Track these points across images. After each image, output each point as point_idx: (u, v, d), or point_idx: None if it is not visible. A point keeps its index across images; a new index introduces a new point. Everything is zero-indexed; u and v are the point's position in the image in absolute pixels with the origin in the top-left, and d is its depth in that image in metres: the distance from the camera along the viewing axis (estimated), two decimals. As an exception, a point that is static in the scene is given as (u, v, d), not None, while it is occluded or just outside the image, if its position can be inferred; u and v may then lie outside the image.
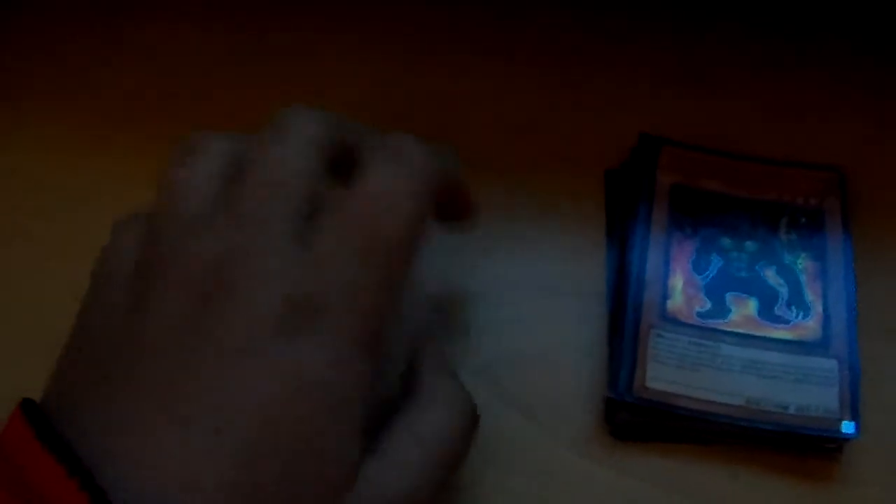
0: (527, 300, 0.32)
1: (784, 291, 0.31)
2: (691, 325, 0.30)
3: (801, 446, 0.29)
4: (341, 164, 0.25)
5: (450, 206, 0.28)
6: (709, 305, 0.30)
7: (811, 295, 0.31)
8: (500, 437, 0.29)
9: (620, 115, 0.36)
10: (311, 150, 0.24)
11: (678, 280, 0.31)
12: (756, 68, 0.38)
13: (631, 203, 0.33)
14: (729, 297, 0.31)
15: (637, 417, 0.29)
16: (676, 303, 0.30)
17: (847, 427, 0.28)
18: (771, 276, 0.31)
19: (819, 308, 0.31)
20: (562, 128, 0.36)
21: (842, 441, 0.28)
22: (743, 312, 0.30)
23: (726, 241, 0.32)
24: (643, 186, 0.33)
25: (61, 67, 0.39)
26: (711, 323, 0.30)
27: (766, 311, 0.30)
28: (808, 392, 0.29)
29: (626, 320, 0.30)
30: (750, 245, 0.32)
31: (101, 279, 0.25)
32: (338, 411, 0.21)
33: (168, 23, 0.40)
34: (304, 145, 0.24)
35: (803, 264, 0.31)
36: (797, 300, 0.31)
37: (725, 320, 0.30)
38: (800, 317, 0.30)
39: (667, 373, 0.29)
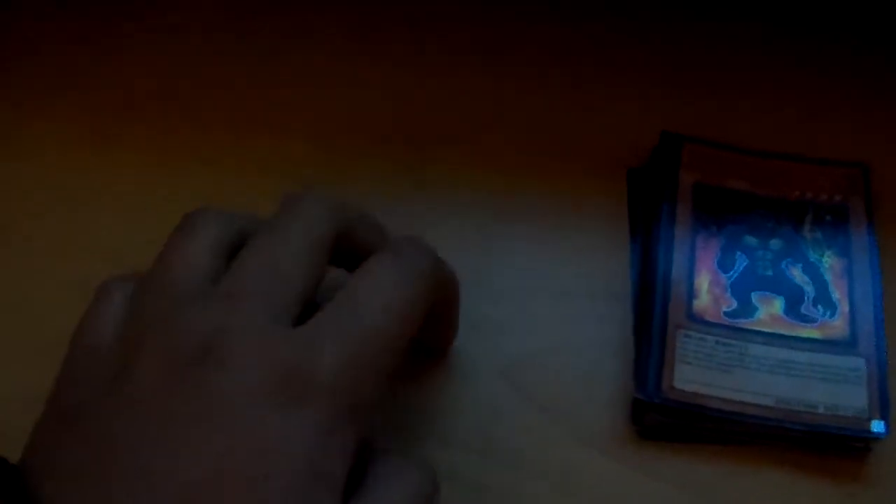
0: (549, 300, 0.32)
1: (810, 290, 0.31)
2: (719, 325, 0.30)
3: (830, 446, 0.28)
4: (344, 255, 0.26)
5: (433, 324, 0.28)
6: (735, 305, 0.30)
7: (837, 293, 0.31)
8: (523, 438, 0.29)
9: (642, 113, 0.36)
10: (313, 243, 0.24)
11: (704, 279, 0.31)
12: (779, 65, 0.37)
13: (654, 202, 0.32)
14: (755, 296, 0.31)
15: (666, 418, 0.28)
16: (703, 302, 0.30)
17: (877, 426, 0.28)
18: (797, 274, 0.31)
19: (845, 306, 0.30)
20: (583, 127, 0.36)
21: (871, 440, 0.28)
22: (769, 311, 0.30)
23: (751, 240, 0.32)
24: (666, 185, 0.33)
25: (61, 66, 0.38)
26: (739, 322, 0.30)
27: (793, 310, 0.30)
28: (837, 391, 0.29)
29: (653, 321, 0.30)
30: (775, 243, 0.32)
31: (83, 345, 0.24)
32: (321, 483, 0.21)
33: (171, 21, 0.40)
34: (307, 239, 0.24)
35: (829, 262, 0.31)
36: (823, 299, 0.30)
37: (752, 319, 0.30)
38: (826, 315, 0.30)
39: (695, 373, 0.29)
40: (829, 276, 0.31)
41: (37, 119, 0.37)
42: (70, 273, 0.32)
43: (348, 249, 0.26)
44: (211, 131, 0.36)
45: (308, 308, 0.24)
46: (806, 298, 0.31)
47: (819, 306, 0.30)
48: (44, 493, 0.20)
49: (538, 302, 0.32)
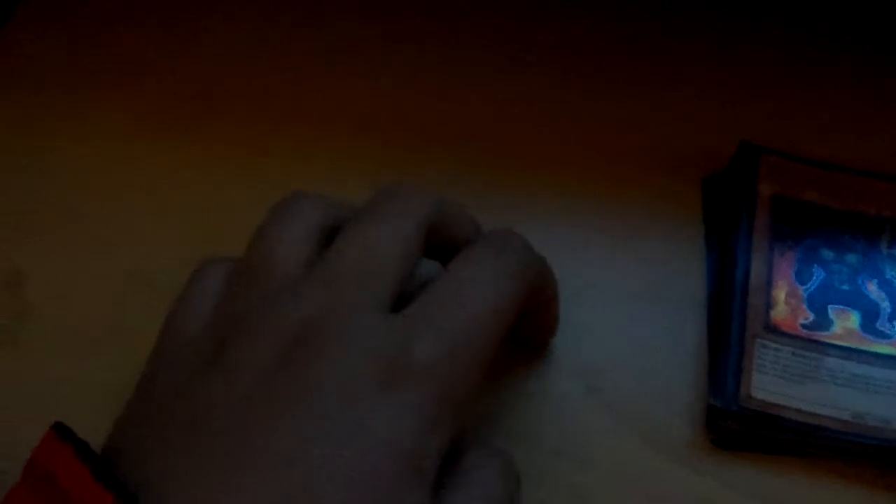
0: (623, 305, 0.32)
1: (886, 305, 0.31)
2: (795, 336, 0.30)
3: (904, 463, 0.29)
4: (438, 247, 0.26)
5: (531, 320, 0.28)
6: (812, 317, 0.30)
7: (913, 311, 0.31)
8: (596, 441, 0.29)
9: (718, 123, 0.36)
10: (410, 233, 0.25)
11: (781, 290, 0.31)
12: (858, 80, 0.37)
13: (731, 213, 0.33)
14: (831, 309, 0.31)
15: (743, 427, 0.29)
16: (780, 313, 0.30)
17: (951, 444, 0.28)
18: (873, 290, 0.31)
19: (921, 324, 0.30)
20: (659, 133, 0.36)
21: (945, 459, 0.28)
22: (845, 325, 0.30)
23: (828, 253, 0.32)
24: (744, 196, 0.33)
25: (123, 58, 0.39)
26: (815, 335, 0.30)
27: (869, 325, 0.30)
28: (912, 408, 0.29)
29: (731, 329, 0.30)
30: (851, 258, 0.32)
31: (177, 328, 0.24)
32: (417, 474, 0.21)
33: (250, 13, 0.40)
34: (403, 228, 0.24)
35: (904, 279, 0.31)
36: (899, 315, 0.31)
37: (828, 332, 0.30)
38: (902, 332, 0.30)
39: (771, 383, 0.29)
40: (905, 294, 0.31)
41: (98, 108, 0.37)
42: (125, 264, 0.33)
43: (442, 241, 0.26)
44: (279, 126, 0.37)
45: (400, 298, 0.24)
46: (882, 314, 0.31)
47: (895, 323, 0.30)
48: (139, 477, 0.20)
49: (612, 306, 0.32)
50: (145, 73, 0.38)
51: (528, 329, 0.29)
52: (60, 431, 0.21)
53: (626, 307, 0.32)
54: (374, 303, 0.23)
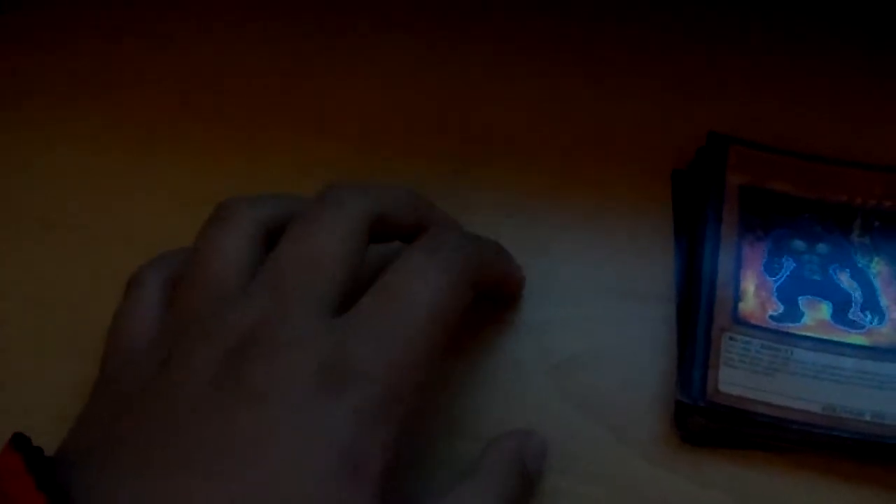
0: (593, 301, 0.32)
1: (858, 295, 0.30)
2: (764, 329, 0.29)
3: (876, 454, 0.28)
4: (389, 237, 0.26)
5: (495, 290, 0.29)
6: (781, 309, 0.30)
7: (886, 300, 0.30)
8: (567, 438, 0.29)
9: (687, 114, 0.35)
10: (351, 230, 0.25)
11: (750, 283, 0.30)
12: (827, 68, 0.37)
13: (699, 204, 0.32)
14: (802, 300, 0.30)
15: (710, 422, 0.28)
16: (748, 305, 0.30)
17: (924, 436, 0.28)
18: (844, 279, 0.31)
19: (894, 314, 0.30)
20: (628, 127, 0.36)
21: (918, 450, 0.28)
22: (816, 316, 0.30)
23: (798, 244, 0.31)
24: (712, 187, 0.32)
25: (111, 60, 0.39)
26: (784, 327, 0.30)
27: (840, 316, 0.30)
28: (884, 399, 0.28)
29: (697, 323, 0.29)
30: (822, 247, 0.31)
31: (122, 339, 0.25)
32: (358, 473, 0.21)
33: (223, 17, 0.40)
34: (343, 227, 0.25)
35: (877, 268, 0.31)
36: (872, 305, 0.30)
37: (799, 324, 0.30)
38: (874, 322, 0.30)
39: (740, 377, 0.28)
40: (877, 283, 0.31)
41: (86, 114, 0.37)
42: (112, 267, 0.32)
43: (388, 232, 0.26)
44: (260, 129, 0.36)
45: (353, 294, 0.24)
46: (854, 304, 0.30)
47: (867, 312, 0.30)
48: (82, 483, 0.20)
49: (583, 302, 0.32)
50: (124, 79, 0.38)
51: (492, 295, 0.29)
52: (16, 442, 0.21)
53: (596, 301, 0.32)
54: (318, 305, 0.23)
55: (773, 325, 0.30)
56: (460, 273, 0.25)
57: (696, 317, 0.30)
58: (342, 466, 0.21)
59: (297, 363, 0.22)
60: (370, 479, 0.21)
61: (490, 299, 0.30)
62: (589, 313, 0.31)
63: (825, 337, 0.29)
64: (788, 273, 0.31)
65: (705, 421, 0.28)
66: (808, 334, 0.29)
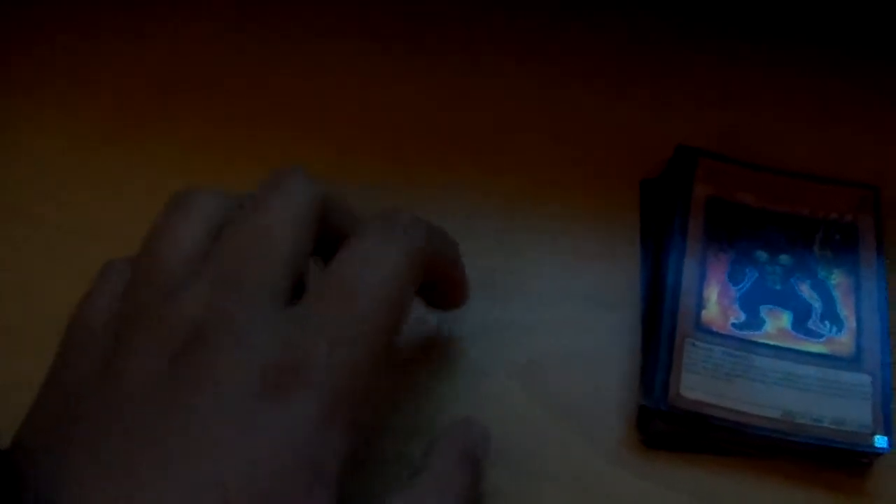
0: (560, 306, 0.32)
1: (818, 305, 0.31)
2: (726, 336, 0.30)
3: (834, 460, 0.29)
4: (331, 235, 0.25)
5: (439, 288, 0.28)
6: (743, 317, 0.31)
7: (845, 310, 0.31)
8: (531, 441, 0.29)
9: (657, 126, 0.36)
10: (297, 214, 0.24)
11: (713, 291, 0.31)
12: (793, 83, 0.38)
13: (666, 214, 0.33)
14: (763, 309, 0.31)
15: (671, 427, 0.29)
16: (711, 313, 0.31)
17: (880, 441, 0.28)
18: (805, 290, 0.31)
19: (852, 323, 0.31)
20: (598, 138, 0.36)
21: (874, 455, 0.29)
22: (777, 325, 0.31)
23: (761, 254, 0.32)
24: (679, 198, 0.33)
25: (80, 54, 0.39)
26: (746, 334, 0.30)
27: (800, 325, 0.31)
28: (843, 406, 0.29)
29: (661, 329, 0.30)
30: (784, 259, 0.32)
31: (79, 327, 0.24)
32: (312, 477, 0.21)
33: (195, 11, 0.41)
34: (289, 210, 0.24)
35: (837, 280, 0.32)
36: (831, 315, 0.31)
37: (760, 332, 0.30)
38: (833, 331, 0.31)
39: (701, 383, 0.29)
40: (836, 294, 0.31)
41: (59, 109, 0.38)
42: (84, 260, 0.32)
43: (327, 230, 0.25)
44: (227, 126, 0.37)
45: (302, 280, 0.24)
46: (813, 314, 0.31)
47: (826, 322, 0.31)
48: (35, 472, 0.20)
49: (549, 307, 0.32)
50: (102, 75, 0.39)
51: (437, 299, 0.29)
52: None
53: (563, 307, 0.32)
54: (265, 295, 0.22)
55: (734, 332, 0.30)
56: (412, 257, 0.24)
57: (660, 323, 0.30)
58: (298, 468, 0.20)
59: (245, 364, 0.21)
60: (326, 480, 0.21)
61: (434, 304, 0.30)
62: (555, 317, 0.32)
63: (785, 345, 0.30)
64: (751, 283, 0.31)
65: (666, 425, 0.29)
66: (769, 342, 0.30)
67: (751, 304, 0.31)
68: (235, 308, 0.22)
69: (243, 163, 0.36)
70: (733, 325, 0.30)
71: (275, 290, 0.23)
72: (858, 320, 0.31)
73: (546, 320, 0.32)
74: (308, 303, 0.23)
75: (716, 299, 0.31)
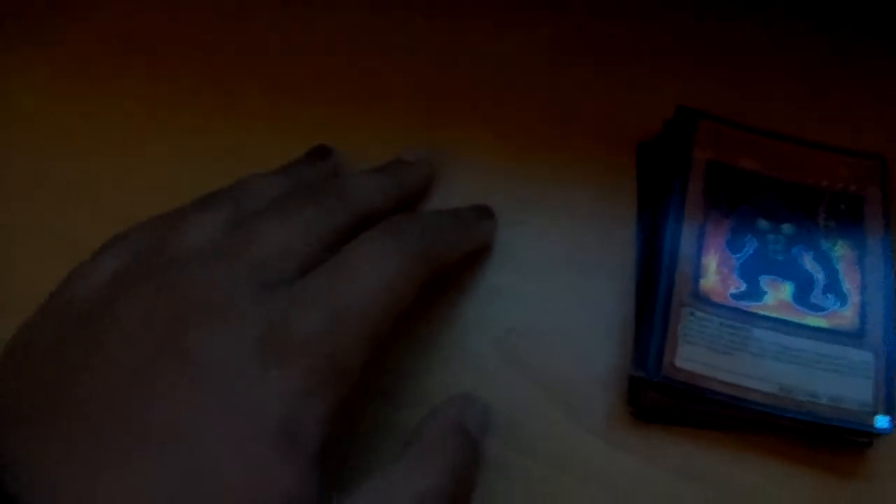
0: (552, 272, 0.31)
1: (821, 278, 0.30)
2: (724, 306, 0.29)
3: (831, 438, 0.27)
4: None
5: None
6: (743, 287, 0.29)
7: (848, 284, 0.29)
8: (512, 410, 0.28)
9: (655, 87, 0.35)
10: (324, 231, 0.25)
11: (712, 259, 0.30)
12: (801, 52, 0.36)
13: (664, 178, 0.31)
14: (764, 279, 0.29)
15: (664, 399, 0.27)
16: (710, 282, 0.29)
17: (881, 421, 0.27)
18: (808, 261, 0.30)
19: (856, 298, 0.29)
20: (594, 101, 0.35)
21: (874, 435, 0.27)
22: (778, 297, 0.29)
23: (763, 223, 0.31)
24: (678, 161, 0.31)
25: (63, 16, 0.37)
26: (745, 305, 0.29)
27: (802, 297, 0.29)
28: (842, 383, 0.28)
29: (657, 297, 0.28)
30: (787, 228, 0.31)
31: (66, 291, 0.24)
32: (293, 443, 0.21)
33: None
34: (319, 225, 0.25)
35: (841, 251, 0.30)
36: (834, 288, 0.29)
37: (760, 303, 0.29)
38: (836, 305, 0.29)
39: (697, 353, 0.28)
40: (840, 266, 0.30)
41: (25, 60, 0.36)
42: (63, 229, 0.31)
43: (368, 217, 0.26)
44: (200, 91, 0.35)
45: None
46: (816, 286, 0.29)
47: (829, 295, 0.29)
48: (15, 442, 0.20)
49: (542, 272, 0.31)
50: (68, 25, 0.37)
51: None
52: None
53: (555, 273, 0.31)
54: (268, 276, 0.23)
55: (733, 303, 0.29)
56: (415, 254, 0.24)
57: (656, 291, 0.29)
58: (278, 438, 0.20)
59: (234, 332, 0.21)
60: (306, 452, 0.21)
61: None
62: (547, 285, 0.30)
63: (786, 318, 0.29)
64: (752, 252, 0.30)
65: (659, 396, 0.27)
66: (769, 314, 0.29)
67: (751, 274, 0.29)
68: (232, 284, 0.22)
69: (255, 131, 0.34)
70: (732, 295, 0.29)
71: (277, 278, 0.23)
72: (863, 295, 0.29)
73: (535, 285, 0.30)
74: (308, 280, 0.23)
75: (715, 268, 0.29)
